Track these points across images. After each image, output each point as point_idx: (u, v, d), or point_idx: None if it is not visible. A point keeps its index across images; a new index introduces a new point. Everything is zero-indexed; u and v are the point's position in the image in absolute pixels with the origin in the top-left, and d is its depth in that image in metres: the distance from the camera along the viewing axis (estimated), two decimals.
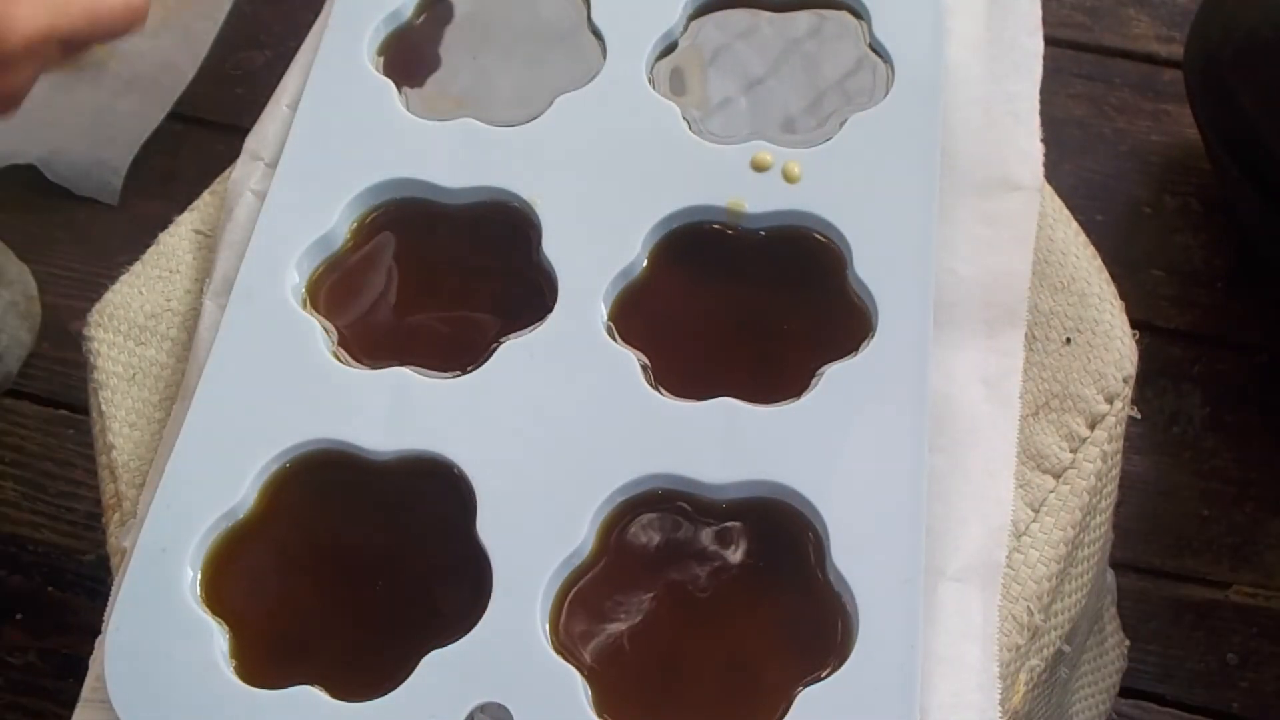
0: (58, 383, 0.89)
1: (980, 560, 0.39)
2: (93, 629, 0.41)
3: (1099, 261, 0.46)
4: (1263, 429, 0.81)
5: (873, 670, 0.36)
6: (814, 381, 0.41)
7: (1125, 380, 0.44)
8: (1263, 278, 0.85)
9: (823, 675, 0.36)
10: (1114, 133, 0.91)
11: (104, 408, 0.46)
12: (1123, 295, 0.46)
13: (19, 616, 0.81)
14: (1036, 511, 0.41)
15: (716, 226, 0.45)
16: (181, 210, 0.51)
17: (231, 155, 0.53)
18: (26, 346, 0.89)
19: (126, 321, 0.48)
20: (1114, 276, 0.46)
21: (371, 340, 0.45)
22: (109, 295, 0.48)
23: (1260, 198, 0.76)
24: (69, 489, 0.85)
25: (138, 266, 0.49)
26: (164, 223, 0.50)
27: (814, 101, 0.48)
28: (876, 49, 0.49)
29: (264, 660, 0.39)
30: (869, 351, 0.42)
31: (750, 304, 0.44)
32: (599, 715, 0.37)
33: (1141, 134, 0.92)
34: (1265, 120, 0.74)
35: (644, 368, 0.43)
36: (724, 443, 0.40)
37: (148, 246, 0.50)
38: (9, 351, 0.88)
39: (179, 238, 0.50)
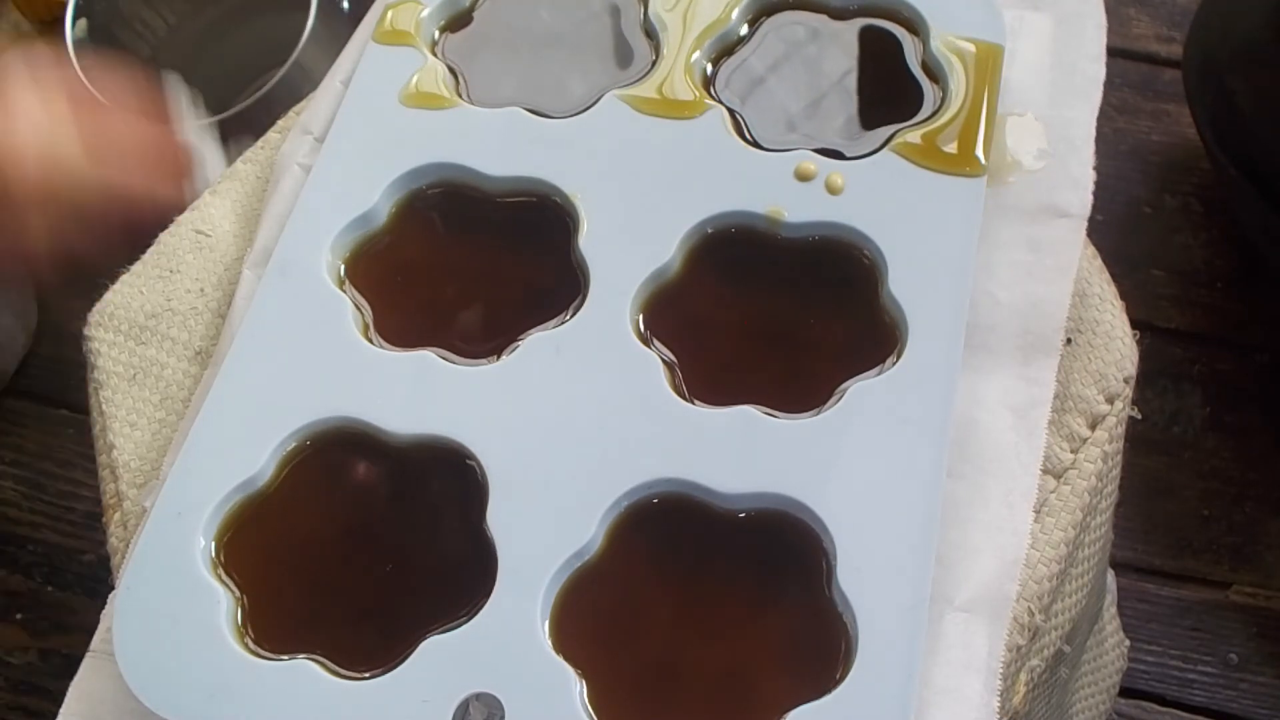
0: (57, 383, 0.89)
1: (990, 592, 0.39)
2: (93, 629, 0.41)
3: (1099, 261, 0.46)
4: (1263, 429, 0.81)
5: (868, 696, 0.36)
6: (837, 397, 0.41)
7: (1126, 380, 0.43)
8: (1263, 278, 0.85)
9: (818, 695, 0.36)
10: (1114, 133, 0.91)
11: (104, 407, 0.46)
12: (1123, 295, 0.46)
13: (19, 616, 0.81)
14: (1037, 512, 0.41)
15: (753, 233, 0.45)
16: (181, 210, 0.51)
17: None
18: (22, 345, 0.89)
19: (126, 321, 0.48)
20: (1114, 276, 0.46)
21: (402, 322, 0.45)
22: (109, 295, 0.49)
23: (1259, 199, 0.76)
24: (69, 489, 0.85)
25: (138, 266, 0.49)
26: (164, 223, 0.50)
27: (864, 115, 0.48)
28: (930, 66, 0.48)
29: (268, 630, 0.39)
30: (895, 371, 0.41)
31: (781, 313, 0.44)
32: (591, 714, 0.37)
33: (1141, 134, 0.92)
34: (1263, 122, 0.74)
35: (670, 368, 0.42)
36: (740, 452, 0.40)
37: (148, 246, 0.50)
38: (4, 350, 0.88)
39: (179, 238, 0.50)
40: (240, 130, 0.76)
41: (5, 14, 0.96)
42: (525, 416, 0.42)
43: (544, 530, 0.39)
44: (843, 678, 0.36)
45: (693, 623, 0.39)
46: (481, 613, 0.38)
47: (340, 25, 0.83)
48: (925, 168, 0.45)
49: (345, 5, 0.89)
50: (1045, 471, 0.41)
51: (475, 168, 0.47)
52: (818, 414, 0.41)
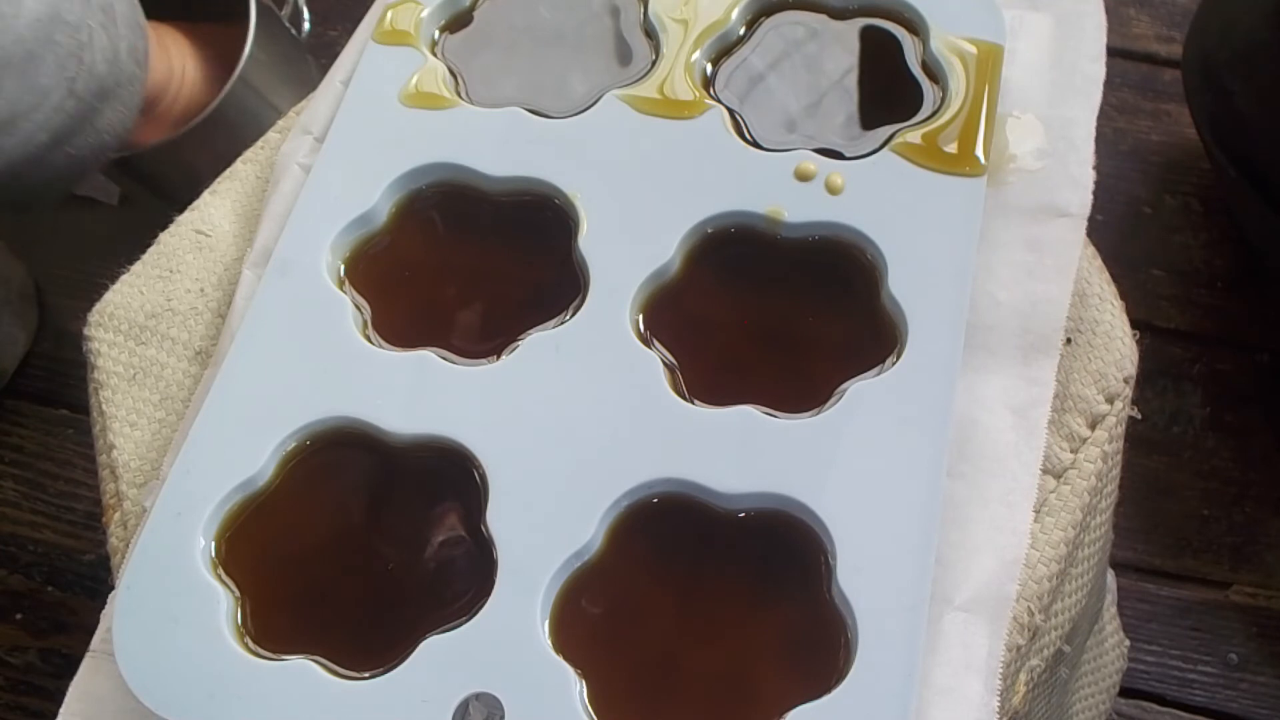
0: (57, 382, 0.89)
1: (990, 592, 0.39)
2: (93, 629, 0.41)
3: (1099, 261, 0.46)
4: (1263, 429, 0.81)
5: (868, 696, 0.36)
6: (837, 397, 0.41)
7: (1126, 380, 0.44)
8: (1263, 278, 0.85)
9: (818, 695, 0.36)
10: (1114, 133, 0.91)
11: (104, 407, 0.46)
12: (1123, 295, 0.46)
13: (19, 616, 0.81)
14: (1037, 512, 0.41)
15: (753, 233, 0.45)
16: (181, 210, 0.51)
17: None
18: (22, 345, 0.89)
19: (126, 321, 0.48)
20: (1114, 276, 0.46)
21: (402, 322, 0.45)
22: (109, 295, 0.49)
23: (1258, 199, 0.76)
24: (69, 489, 0.85)
25: (138, 266, 0.49)
26: (164, 223, 0.50)
27: (864, 115, 0.48)
28: (930, 66, 0.48)
29: (269, 630, 0.39)
30: (895, 371, 0.41)
31: (781, 313, 0.44)
32: (591, 714, 0.37)
33: (1141, 134, 0.92)
34: (1262, 122, 0.74)
35: (670, 369, 0.42)
36: (740, 452, 0.40)
37: (148, 246, 0.50)
38: (4, 350, 0.88)
39: (179, 238, 0.50)
40: (195, 147, 0.75)
41: None
42: (525, 416, 0.42)
43: (544, 530, 0.39)
44: (842, 678, 0.36)
45: (693, 623, 0.38)
46: (481, 613, 0.38)
47: (286, 43, 0.83)
48: (925, 168, 0.45)
49: (307, 26, 0.89)
50: (1045, 471, 0.41)
51: (475, 168, 0.47)
52: (818, 414, 0.41)
